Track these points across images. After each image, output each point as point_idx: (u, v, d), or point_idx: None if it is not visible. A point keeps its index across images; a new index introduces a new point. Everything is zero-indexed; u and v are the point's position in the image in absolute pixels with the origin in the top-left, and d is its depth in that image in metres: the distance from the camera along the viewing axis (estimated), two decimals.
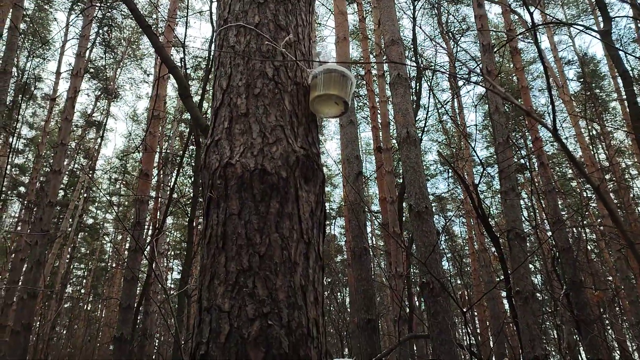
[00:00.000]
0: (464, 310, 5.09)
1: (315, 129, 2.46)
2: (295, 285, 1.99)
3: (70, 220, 20.50)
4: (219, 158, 2.24)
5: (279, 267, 1.99)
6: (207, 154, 2.31)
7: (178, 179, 12.65)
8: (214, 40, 2.70)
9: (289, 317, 1.90)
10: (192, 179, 13.60)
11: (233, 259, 2.00)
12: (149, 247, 12.93)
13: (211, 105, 2.54)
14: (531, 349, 7.44)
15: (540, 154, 14.87)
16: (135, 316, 11.37)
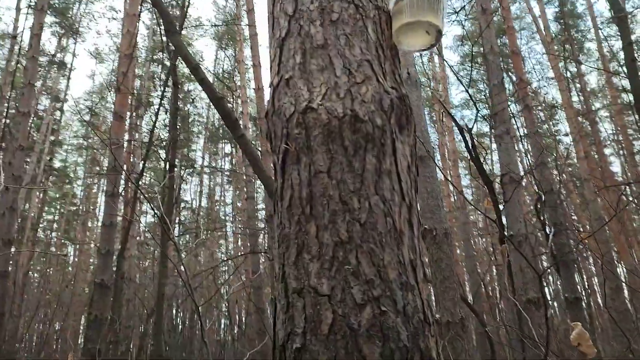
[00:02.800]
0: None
1: (399, 64, 2.02)
2: (404, 259, 1.61)
3: (38, 163, 19.61)
4: (293, 101, 1.79)
5: (384, 238, 1.60)
6: (275, 96, 1.86)
7: (153, 121, 11.97)
8: None
9: (404, 301, 1.54)
10: (169, 120, 12.92)
11: (326, 229, 1.60)
12: (128, 191, 12.38)
13: (270, 34, 2.06)
14: (524, 292, 7.38)
15: (524, 95, 14.59)
16: (119, 263, 11.01)
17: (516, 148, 18.55)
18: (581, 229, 20.95)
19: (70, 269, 22.31)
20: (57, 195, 23.66)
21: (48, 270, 19.12)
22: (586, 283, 23.39)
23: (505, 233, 7.77)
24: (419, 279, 1.63)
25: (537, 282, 7.94)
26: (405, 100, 1.85)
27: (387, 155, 1.73)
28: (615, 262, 17.94)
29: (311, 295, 1.54)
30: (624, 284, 18.03)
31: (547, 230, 11.20)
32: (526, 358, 6.74)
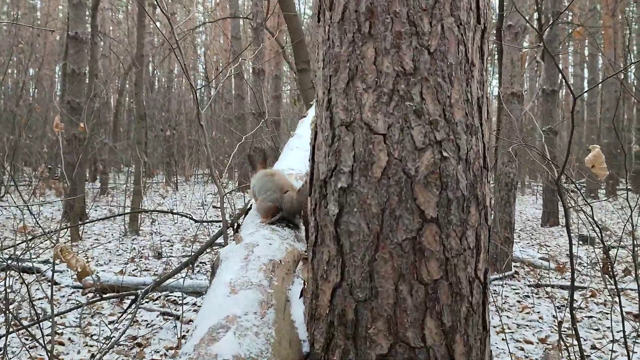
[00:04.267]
0: None
1: None
2: (472, 97, 1.39)
3: None
4: None
5: (454, 71, 1.35)
6: None
7: None
8: None
9: (467, 146, 1.36)
10: None
11: (387, 54, 1.33)
12: None
13: None
14: (510, 85, 7.32)
15: None
16: (93, 15, 10.32)
17: None
18: (571, 19, 20.27)
19: (38, 14, 21.01)
20: None
21: (15, 13, 17.90)
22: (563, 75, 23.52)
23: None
24: (484, 119, 1.43)
25: (520, 77, 7.86)
26: None
27: None
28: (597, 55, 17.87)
29: (363, 131, 1.35)
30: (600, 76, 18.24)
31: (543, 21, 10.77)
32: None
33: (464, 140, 1.35)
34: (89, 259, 7.40)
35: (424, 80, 1.32)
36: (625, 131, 17.52)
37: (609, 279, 5.09)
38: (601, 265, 5.21)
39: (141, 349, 4.33)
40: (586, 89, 20.83)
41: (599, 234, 2.71)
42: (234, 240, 1.78)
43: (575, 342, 4.35)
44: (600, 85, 18.34)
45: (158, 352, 4.22)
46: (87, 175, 14.10)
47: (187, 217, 4.99)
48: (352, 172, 1.36)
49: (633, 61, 15.27)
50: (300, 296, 1.58)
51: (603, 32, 18.94)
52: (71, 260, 2.04)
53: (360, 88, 1.36)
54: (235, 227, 2.29)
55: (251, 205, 2.38)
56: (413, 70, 1.32)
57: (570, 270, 2.30)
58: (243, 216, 2.41)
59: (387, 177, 1.32)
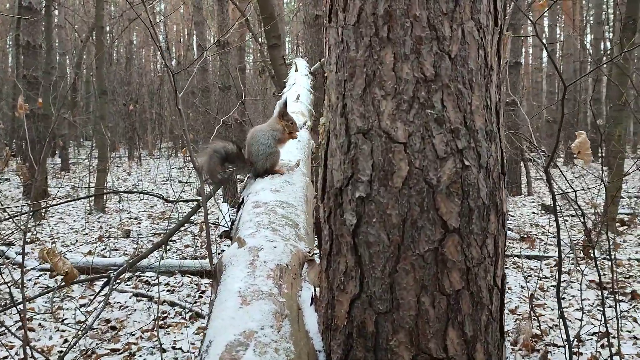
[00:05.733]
0: None
1: None
2: (491, 103, 1.37)
3: None
4: None
5: (475, 77, 1.32)
6: None
7: None
8: None
9: (487, 154, 1.34)
10: None
11: (407, 60, 1.28)
12: None
13: None
14: None
15: None
16: None
17: None
18: None
19: None
20: None
21: None
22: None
23: None
24: (501, 124, 1.41)
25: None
26: None
27: None
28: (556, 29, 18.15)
29: (382, 139, 1.31)
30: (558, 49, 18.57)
31: None
32: None
33: (484, 148, 1.33)
34: (55, 240, 7.20)
35: (445, 86, 1.29)
36: (582, 102, 17.96)
37: (589, 259, 5.26)
38: (581, 247, 5.39)
39: (115, 332, 4.26)
40: (545, 58, 21.19)
41: (582, 219, 2.77)
42: (236, 243, 1.73)
43: (544, 312, 4.52)
44: (559, 56, 18.68)
45: (134, 334, 4.16)
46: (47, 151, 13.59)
47: (159, 197, 4.87)
48: (370, 181, 1.32)
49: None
50: (311, 303, 1.55)
51: (562, 2, 19.19)
52: (58, 263, 1.96)
53: (378, 95, 1.31)
54: (230, 224, 2.23)
55: (243, 199, 2.32)
56: (434, 76, 1.28)
57: (557, 260, 2.34)
58: (236, 211, 2.35)
59: (408, 187, 1.29)
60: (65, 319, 4.52)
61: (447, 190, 1.29)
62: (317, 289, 1.57)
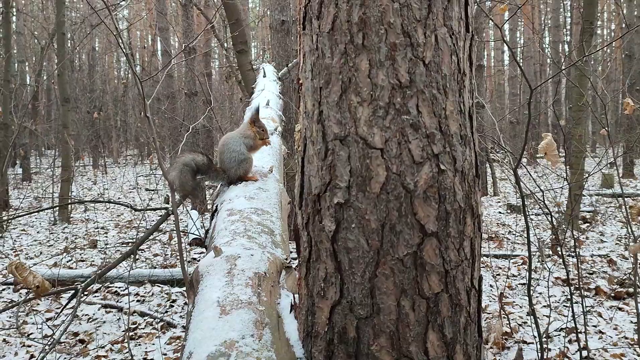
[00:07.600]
0: None
1: None
2: (464, 107, 1.39)
3: None
4: None
5: (448, 82, 1.34)
6: None
7: None
8: None
9: (462, 157, 1.36)
10: None
11: (382, 66, 1.30)
12: None
13: None
14: None
15: None
16: None
17: None
18: None
19: None
20: None
21: None
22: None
23: None
24: (474, 128, 1.44)
25: None
26: None
27: None
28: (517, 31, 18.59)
29: (359, 145, 1.32)
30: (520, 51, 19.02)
31: None
32: None
33: (459, 152, 1.35)
34: (18, 252, 6.99)
35: (420, 92, 1.30)
36: (544, 103, 18.42)
37: (558, 256, 5.38)
38: (550, 245, 5.50)
39: (84, 345, 4.16)
40: (507, 62, 21.67)
41: (550, 219, 2.84)
42: (212, 251, 1.72)
43: (513, 310, 4.62)
44: (520, 59, 19.12)
45: (103, 347, 4.07)
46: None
47: (127, 206, 4.78)
48: (349, 187, 1.33)
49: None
50: (291, 311, 1.55)
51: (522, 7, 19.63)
52: (28, 278, 1.90)
53: (354, 101, 1.32)
54: (205, 232, 2.21)
55: (217, 207, 2.30)
56: (409, 82, 1.30)
57: (528, 259, 2.40)
58: (209, 219, 2.33)
59: (386, 192, 1.30)
60: (31, 333, 4.38)
61: (424, 195, 1.30)
62: (296, 296, 1.57)
